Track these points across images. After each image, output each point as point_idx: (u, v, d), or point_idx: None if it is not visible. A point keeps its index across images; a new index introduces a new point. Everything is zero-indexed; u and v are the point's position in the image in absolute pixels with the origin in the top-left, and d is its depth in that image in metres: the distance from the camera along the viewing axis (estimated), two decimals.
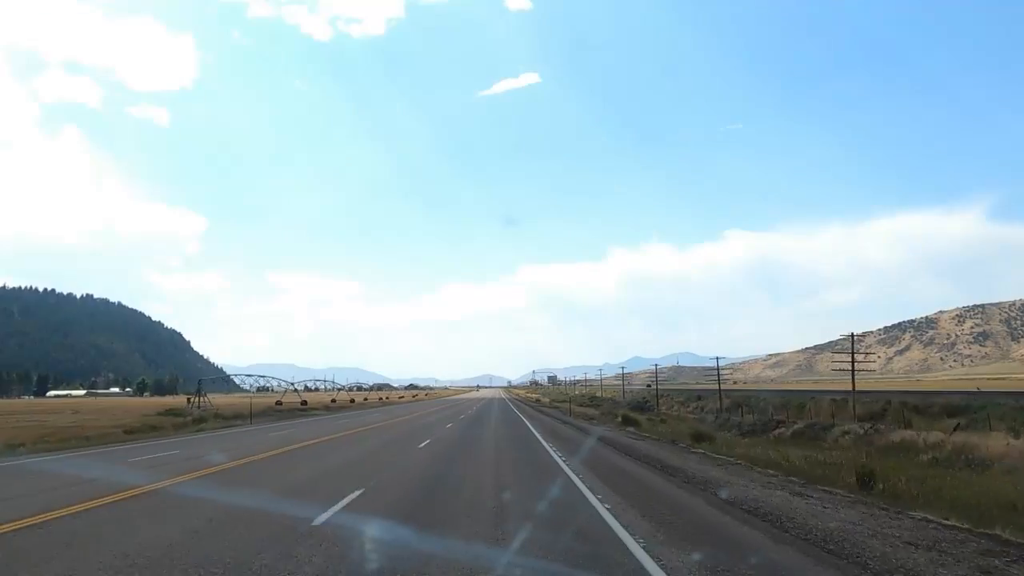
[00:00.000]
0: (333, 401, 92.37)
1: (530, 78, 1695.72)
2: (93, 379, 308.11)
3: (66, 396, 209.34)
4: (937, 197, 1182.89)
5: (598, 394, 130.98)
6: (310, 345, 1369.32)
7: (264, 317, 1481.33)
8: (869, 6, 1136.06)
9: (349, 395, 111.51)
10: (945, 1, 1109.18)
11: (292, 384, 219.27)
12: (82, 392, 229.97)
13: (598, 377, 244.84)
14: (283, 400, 78.85)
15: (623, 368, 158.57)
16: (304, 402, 77.47)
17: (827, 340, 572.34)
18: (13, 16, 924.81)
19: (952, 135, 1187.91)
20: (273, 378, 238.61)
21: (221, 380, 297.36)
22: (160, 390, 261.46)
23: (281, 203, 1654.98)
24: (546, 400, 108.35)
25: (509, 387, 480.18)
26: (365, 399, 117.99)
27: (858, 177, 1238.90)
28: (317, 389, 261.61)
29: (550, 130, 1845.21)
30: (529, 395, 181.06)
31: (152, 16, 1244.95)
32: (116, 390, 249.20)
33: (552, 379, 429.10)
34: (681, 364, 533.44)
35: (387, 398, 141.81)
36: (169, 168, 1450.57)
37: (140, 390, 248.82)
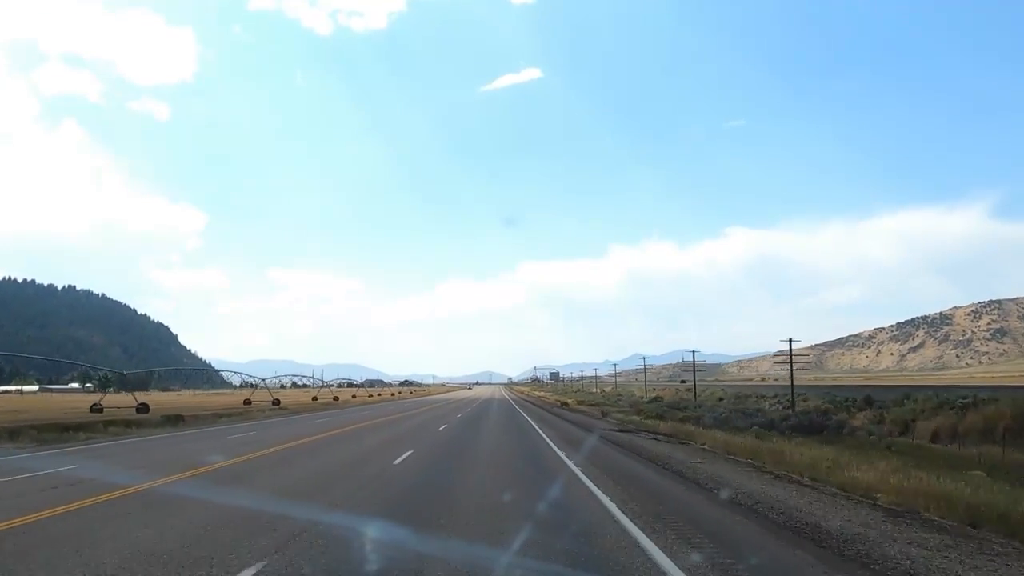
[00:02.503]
0: (247, 402, 62.29)
1: (532, 73, 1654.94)
2: (67, 374, 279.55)
3: (16, 392, 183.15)
4: (938, 194, 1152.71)
5: (639, 395, 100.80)
6: (310, 342, 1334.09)
7: (264, 314, 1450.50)
8: (872, 2, 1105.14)
9: (274, 394, 79.82)
10: None
11: (280, 380, 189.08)
12: (35, 388, 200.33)
13: (596, 373, 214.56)
14: (143, 403, 46.73)
15: (679, 362, 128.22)
16: (142, 406, 45.54)
17: (838, 336, 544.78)
18: (12, 7, 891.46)
19: (954, 132, 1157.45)
20: (267, 376, 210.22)
21: (206, 375, 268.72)
22: (127, 385, 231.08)
23: (282, 199, 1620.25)
24: (572, 401, 77.45)
25: (510, 384, 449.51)
26: (315, 398, 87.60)
27: (860, 174, 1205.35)
28: (306, 386, 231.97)
29: (551, 126, 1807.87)
30: (537, 393, 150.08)
31: (151, 8, 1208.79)
32: (75, 385, 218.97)
33: (554, 376, 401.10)
34: (686, 361, 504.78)
35: (354, 397, 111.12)
36: (169, 163, 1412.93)
37: (103, 385, 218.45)
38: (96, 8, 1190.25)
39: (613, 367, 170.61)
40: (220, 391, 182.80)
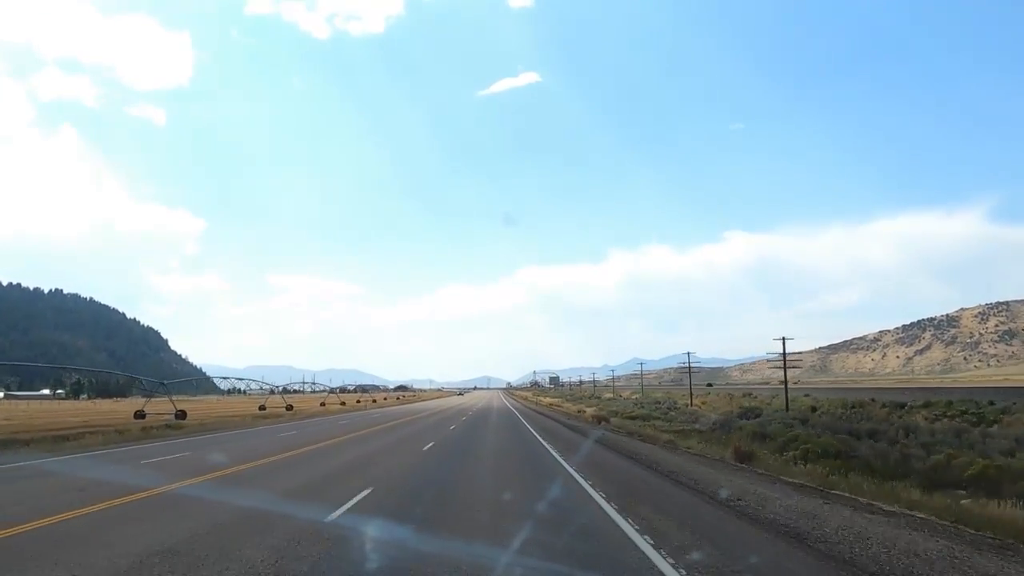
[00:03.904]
0: (140, 415, 44.17)
1: (530, 77, 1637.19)
2: (49, 379, 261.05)
3: None
4: (938, 198, 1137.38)
5: (680, 401, 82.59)
6: (309, 346, 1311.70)
7: (263, 318, 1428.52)
8: (872, 6, 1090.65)
9: (210, 402, 61.42)
10: (948, 1, 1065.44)
11: (269, 386, 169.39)
12: (0, 395, 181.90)
13: (613, 376, 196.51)
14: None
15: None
16: None
17: (840, 339, 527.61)
18: (7, 11, 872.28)
19: (953, 136, 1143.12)
20: (252, 380, 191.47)
21: (196, 381, 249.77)
22: (106, 392, 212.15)
23: (280, 203, 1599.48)
24: (603, 412, 58.28)
25: (510, 389, 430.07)
26: (262, 407, 68.04)
27: (859, 178, 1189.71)
28: (299, 391, 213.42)
29: (550, 130, 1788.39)
30: (546, 400, 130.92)
31: (147, 13, 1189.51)
32: (46, 392, 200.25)
33: (554, 380, 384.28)
34: (687, 365, 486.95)
35: (322, 405, 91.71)
36: (167, 168, 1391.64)
37: (75, 392, 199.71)
38: (92, 12, 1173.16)
39: (639, 366, 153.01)
40: (203, 398, 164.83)
